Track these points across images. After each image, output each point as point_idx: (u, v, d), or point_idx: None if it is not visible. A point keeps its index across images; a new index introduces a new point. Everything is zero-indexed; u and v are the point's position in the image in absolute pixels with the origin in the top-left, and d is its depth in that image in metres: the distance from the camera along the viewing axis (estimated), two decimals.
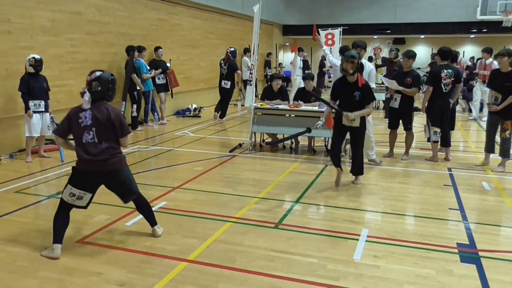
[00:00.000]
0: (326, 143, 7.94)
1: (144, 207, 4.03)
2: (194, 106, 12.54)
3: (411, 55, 6.94)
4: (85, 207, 3.80)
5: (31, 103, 6.69)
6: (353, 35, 18.48)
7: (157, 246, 3.87)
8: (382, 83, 9.33)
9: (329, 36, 13.09)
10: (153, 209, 4.72)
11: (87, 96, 3.56)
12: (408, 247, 3.88)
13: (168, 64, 10.57)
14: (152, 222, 4.07)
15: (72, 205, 3.73)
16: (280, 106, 7.52)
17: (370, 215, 4.74)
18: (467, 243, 4.01)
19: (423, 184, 5.88)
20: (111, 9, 9.34)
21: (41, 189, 5.57)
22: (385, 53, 20.44)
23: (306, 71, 11.50)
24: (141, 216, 4.49)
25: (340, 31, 12.88)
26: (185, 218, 4.57)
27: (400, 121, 7.02)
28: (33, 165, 6.64)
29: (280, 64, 20.57)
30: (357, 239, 4.04)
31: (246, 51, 14.54)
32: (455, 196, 5.35)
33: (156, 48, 10.35)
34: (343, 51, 10.78)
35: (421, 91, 10.45)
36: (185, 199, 5.14)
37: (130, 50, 9.46)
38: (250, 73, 7.85)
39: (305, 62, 21.62)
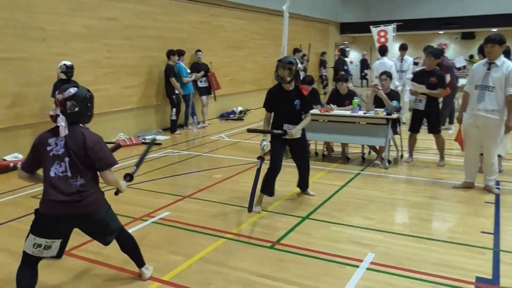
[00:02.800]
0: (363, 150, 7.37)
1: (128, 245, 3.29)
2: (240, 108, 12.38)
3: (437, 53, 6.28)
4: (57, 257, 3.02)
5: None
6: (414, 31, 17.37)
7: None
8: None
9: (382, 34, 12.37)
10: (153, 219, 4.61)
11: (62, 120, 2.87)
12: (413, 279, 3.33)
13: (208, 67, 10.48)
14: (139, 262, 3.36)
15: (39, 257, 2.97)
16: (312, 111, 7.04)
17: (383, 236, 4.19)
18: (490, 277, 3.37)
19: (460, 199, 5.17)
20: (149, 13, 9.40)
21: None
22: (452, 49, 19.00)
23: (340, 73, 10.78)
24: (136, 227, 4.38)
25: (394, 28, 12.10)
26: (180, 231, 4.33)
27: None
28: None
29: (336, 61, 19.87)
30: (358, 266, 3.56)
31: (296, 51, 14.13)
32: (494, 216, 4.62)
33: (196, 51, 10.29)
34: (403, 48, 10.11)
35: None
36: (190, 210, 4.91)
37: (170, 54, 9.48)
38: None
39: (364, 62, 20.85)
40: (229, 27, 12.23)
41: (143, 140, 8.61)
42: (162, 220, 4.61)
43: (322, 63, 17.68)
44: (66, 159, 2.88)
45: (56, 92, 2.95)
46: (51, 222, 2.89)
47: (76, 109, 2.91)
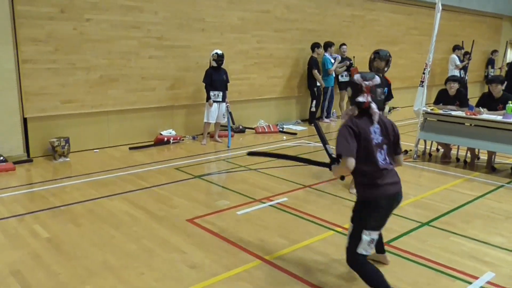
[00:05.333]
0: None
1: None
2: (386, 107, 11.92)
3: None
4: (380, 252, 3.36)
5: (211, 93, 7.57)
6: None
7: (247, 239, 3.94)
8: None
9: None
10: (271, 203, 4.87)
11: (376, 107, 2.79)
12: None
13: (351, 61, 10.34)
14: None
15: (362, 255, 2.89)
16: (454, 113, 6.51)
17: None
18: None
19: None
20: (300, 7, 9.66)
21: (195, 169, 6.27)
22: None
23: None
24: (255, 207, 4.68)
25: None
26: (294, 217, 4.50)
27: None
28: (206, 148, 7.52)
29: (509, 63, 17.58)
30: (471, 282, 3.26)
31: (456, 48, 12.99)
32: None
33: (341, 45, 10.24)
34: None
35: None
36: (307, 199, 5.04)
37: (314, 46, 9.64)
38: (423, 73, 7.00)
39: None
40: (384, 22, 11.83)
41: (281, 129, 8.96)
42: (279, 205, 4.83)
43: (490, 62, 15.86)
44: (385, 146, 2.86)
45: (359, 79, 2.82)
46: (386, 207, 2.87)
47: (382, 96, 2.92)
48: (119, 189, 5.27)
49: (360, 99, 2.81)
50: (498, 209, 4.82)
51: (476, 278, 3.33)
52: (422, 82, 6.94)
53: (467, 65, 13.35)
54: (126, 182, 5.57)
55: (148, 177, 5.77)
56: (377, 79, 2.81)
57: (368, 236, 2.83)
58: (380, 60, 4.87)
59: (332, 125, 9.90)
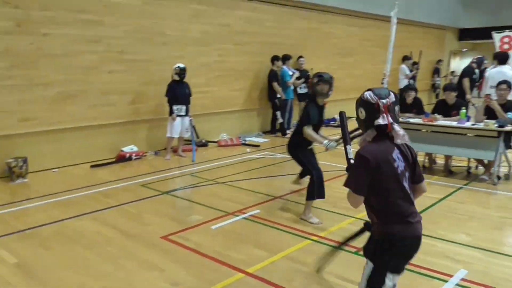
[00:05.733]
0: (469, 164, 6.89)
1: None
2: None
3: None
4: None
5: (174, 108, 7.49)
6: None
7: (225, 253, 3.92)
8: None
9: (506, 40, 11.35)
10: (244, 215, 4.86)
11: (399, 128, 2.34)
12: None
13: (308, 73, 10.59)
14: None
15: None
16: (412, 120, 6.80)
17: (482, 254, 3.92)
18: None
19: None
20: (259, 20, 9.81)
21: (161, 185, 6.17)
22: None
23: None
24: (228, 221, 4.66)
25: None
26: (269, 229, 4.52)
27: None
28: (170, 162, 7.41)
29: (452, 72, 18.63)
30: (446, 280, 3.42)
31: (405, 58, 13.61)
32: None
33: (298, 58, 10.48)
34: None
35: None
36: (280, 210, 5.08)
37: (274, 59, 9.79)
38: (382, 83, 7.30)
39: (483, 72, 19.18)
40: (339, 34, 12.22)
41: (244, 141, 9.00)
42: (252, 217, 4.84)
43: (436, 71, 16.74)
44: (407, 173, 2.38)
45: (373, 97, 2.35)
46: (412, 248, 2.42)
47: (399, 115, 2.49)
48: (86, 208, 5.09)
49: (381, 121, 2.32)
50: (461, 210, 5.07)
51: (451, 276, 3.49)
52: None
53: (415, 74, 14.01)
54: (92, 201, 5.38)
55: (114, 195, 5.61)
56: (393, 96, 2.39)
57: (391, 281, 2.39)
58: (323, 83, 4.64)
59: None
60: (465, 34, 18.62)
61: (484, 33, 17.30)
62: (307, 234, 4.35)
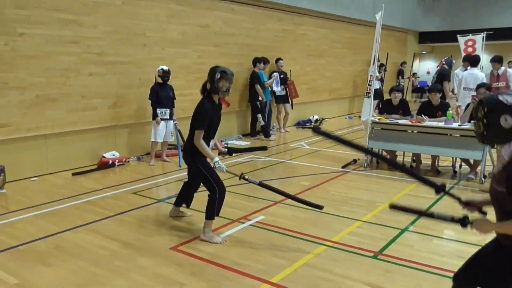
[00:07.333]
0: (454, 163, 7.09)
1: None
2: (316, 117, 12.36)
3: None
4: None
5: (158, 111, 7.22)
6: (503, 40, 16.49)
7: (244, 263, 3.78)
8: None
9: (469, 43, 11.83)
10: (250, 222, 4.72)
11: None
12: None
13: (287, 76, 10.59)
14: None
15: None
16: (400, 121, 6.92)
17: None
18: None
19: None
20: (237, 21, 9.68)
21: (155, 192, 5.94)
22: None
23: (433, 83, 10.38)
24: (236, 229, 4.52)
25: (483, 37, 11.52)
26: (279, 235, 4.41)
27: None
28: (155, 168, 7.14)
29: (414, 74, 19.28)
30: None
31: None
32: None
33: (277, 60, 10.44)
34: (495, 59, 9.56)
35: None
36: (284, 215, 4.98)
37: (256, 61, 9.71)
38: (369, 85, 7.37)
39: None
40: (312, 36, 12.30)
41: (226, 145, 8.83)
42: (259, 223, 4.71)
43: (400, 73, 17.23)
44: None
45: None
46: None
47: None
48: (79, 220, 4.77)
49: None
50: (459, 209, 5.16)
51: None
52: (368, 93, 7.28)
53: (383, 76, 14.34)
54: (83, 211, 5.07)
55: (106, 204, 5.31)
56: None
57: None
58: (225, 79, 4.15)
59: (271, 139, 9.91)
60: (424, 37, 19.31)
61: (441, 36, 18.11)
62: (320, 240, 4.27)
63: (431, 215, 2.61)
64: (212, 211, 4.17)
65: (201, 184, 4.38)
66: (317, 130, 2.89)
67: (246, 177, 4.37)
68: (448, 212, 2.56)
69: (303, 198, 4.53)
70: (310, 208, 4.45)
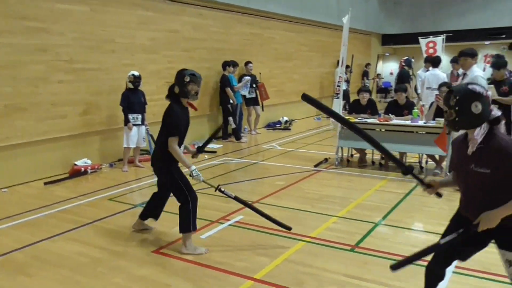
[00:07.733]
0: (420, 159, 7.39)
1: None
2: (285, 118, 12.56)
3: (502, 65, 6.33)
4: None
5: (130, 117, 7.20)
6: (461, 41, 17.20)
7: (227, 261, 3.85)
8: None
9: (430, 45, 12.32)
10: (230, 222, 4.80)
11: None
12: (504, 283, 3.38)
13: (257, 78, 10.73)
14: None
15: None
16: (369, 120, 7.16)
17: None
18: None
19: None
20: (205, 26, 9.75)
21: (130, 198, 5.93)
22: None
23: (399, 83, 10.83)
24: (216, 229, 4.58)
25: (443, 39, 12.03)
26: (259, 234, 4.51)
27: None
28: (128, 174, 7.11)
29: (378, 74, 19.85)
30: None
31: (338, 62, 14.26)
32: None
33: (246, 63, 10.58)
34: (455, 60, 10.03)
35: None
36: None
37: (226, 65, 9.80)
38: (338, 86, 7.60)
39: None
40: (279, 39, 12.49)
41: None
42: (238, 223, 4.80)
43: (365, 74, 17.71)
44: None
45: (481, 89, 2.37)
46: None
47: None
48: (55, 229, 4.72)
49: (494, 112, 2.38)
50: (428, 202, 5.42)
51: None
52: (337, 94, 7.50)
53: (349, 77, 14.73)
54: (59, 220, 5.01)
55: (82, 212, 5.27)
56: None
57: None
58: (194, 83, 4.04)
59: (243, 141, 10.02)
60: (387, 40, 19.93)
61: (403, 39, 18.73)
62: (298, 236, 4.39)
63: (440, 246, 2.82)
64: (188, 223, 3.97)
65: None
66: (306, 98, 2.79)
67: (223, 189, 4.22)
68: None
69: (274, 218, 4.36)
70: (287, 206, 4.56)
